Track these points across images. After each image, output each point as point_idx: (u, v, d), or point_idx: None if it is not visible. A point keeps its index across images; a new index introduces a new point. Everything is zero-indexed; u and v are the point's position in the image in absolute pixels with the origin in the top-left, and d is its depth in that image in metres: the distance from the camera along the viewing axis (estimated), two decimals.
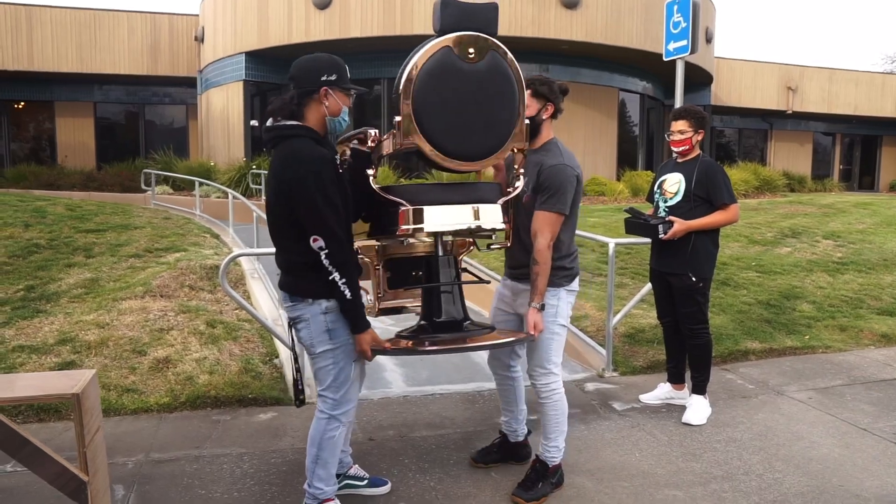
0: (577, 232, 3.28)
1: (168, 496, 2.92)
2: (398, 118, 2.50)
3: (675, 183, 3.81)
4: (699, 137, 3.79)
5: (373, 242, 2.89)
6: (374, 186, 2.59)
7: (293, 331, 2.62)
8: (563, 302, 2.93)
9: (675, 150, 3.82)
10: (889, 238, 8.74)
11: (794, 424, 3.78)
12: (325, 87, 2.45)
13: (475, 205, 2.62)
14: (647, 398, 4.11)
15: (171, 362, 4.30)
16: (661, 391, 4.12)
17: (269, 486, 3.01)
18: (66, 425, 3.65)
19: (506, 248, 2.99)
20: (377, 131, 2.65)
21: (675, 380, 4.10)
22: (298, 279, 2.50)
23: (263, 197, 2.35)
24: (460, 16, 2.51)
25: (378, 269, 2.93)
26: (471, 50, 2.51)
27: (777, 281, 6.69)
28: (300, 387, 2.74)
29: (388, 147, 2.62)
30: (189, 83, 18.56)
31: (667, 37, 5.52)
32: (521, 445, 3.27)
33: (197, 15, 17.91)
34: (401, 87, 2.49)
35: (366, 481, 2.97)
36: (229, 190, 10.07)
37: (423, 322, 2.74)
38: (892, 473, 3.18)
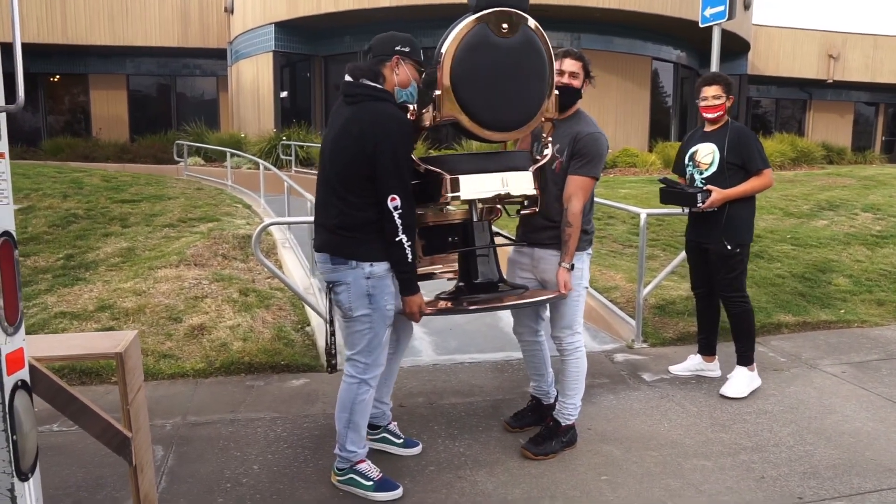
0: (609, 202, 3.37)
1: (205, 457, 3.02)
2: (437, 92, 2.59)
3: (708, 154, 3.75)
4: (729, 104, 3.74)
5: None
6: (415, 158, 2.68)
7: (331, 294, 2.64)
8: (585, 265, 3.07)
9: (708, 115, 3.75)
10: None
11: (827, 398, 3.74)
12: (397, 56, 2.59)
13: (507, 173, 2.71)
14: (677, 369, 4.09)
15: (205, 329, 4.41)
16: (692, 363, 4.10)
17: (301, 450, 3.09)
18: (108, 388, 3.77)
19: (523, 216, 3.07)
20: (415, 106, 2.72)
21: (706, 351, 4.07)
22: (349, 239, 2.53)
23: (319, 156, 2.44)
24: None
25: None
26: (504, 25, 2.60)
27: (812, 254, 6.56)
28: (333, 351, 2.81)
29: (427, 120, 2.71)
30: (219, 55, 18.64)
31: (703, 2, 5.37)
32: (553, 407, 3.30)
33: None
34: (439, 62, 2.59)
35: (401, 440, 3.07)
36: (260, 161, 10.17)
37: (461, 283, 2.86)
38: None
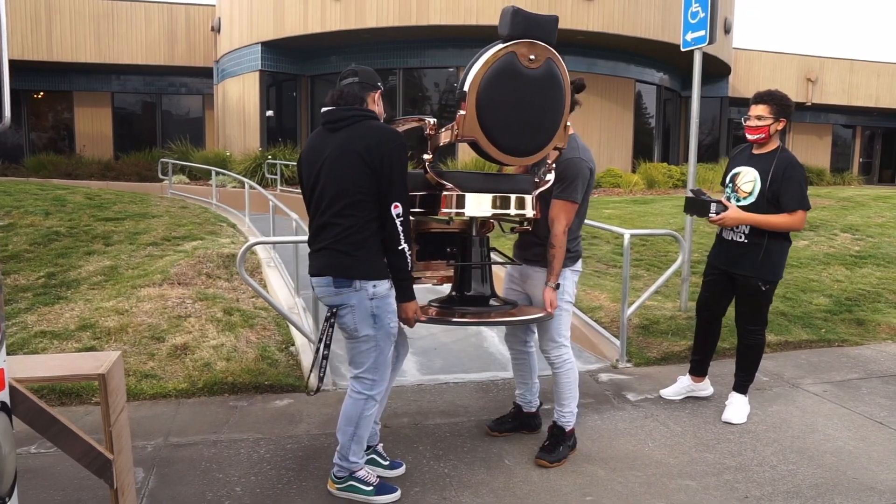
0: (593, 223, 3.41)
1: (187, 479, 2.98)
2: (462, 112, 2.70)
3: (749, 181, 3.52)
4: (779, 127, 3.48)
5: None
6: (430, 171, 2.82)
7: (333, 318, 2.68)
8: (568, 281, 3.18)
9: (749, 137, 3.53)
10: None
11: (809, 417, 3.77)
12: (380, 90, 2.79)
13: (511, 194, 2.87)
14: (669, 393, 4.03)
15: (188, 349, 4.37)
16: (682, 385, 4.04)
17: (285, 471, 3.06)
18: (88, 409, 3.72)
19: (518, 234, 3.24)
20: (435, 120, 2.85)
21: (697, 372, 4.00)
22: (351, 259, 2.59)
23: (305, 180, 2.61)
24: (527, 25, 2.71)
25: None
26: (532, 56, 2.72)
27: (793, 274, 6.65)
28: (322, 375, 2.83)
29: (445, 137, 2.82)
30: (205, 73, 18.67)
31: (684, 27, 5.47)
32: (533, 416, 3.52)
33: (213, 5, 17.98)
34: (467, 85, 2.70)
35: (388, 462, 3.10)
36: (245, 179, 10.15)
37: (453, 294, 3.02)
38: None
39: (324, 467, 3.10)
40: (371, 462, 3.03)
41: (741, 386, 3.80)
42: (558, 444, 3.20)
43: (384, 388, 2.81)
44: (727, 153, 19.18)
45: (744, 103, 21.63)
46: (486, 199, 2.81)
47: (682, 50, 5.60)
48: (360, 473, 2.82)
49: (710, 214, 3.52)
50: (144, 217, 8.13)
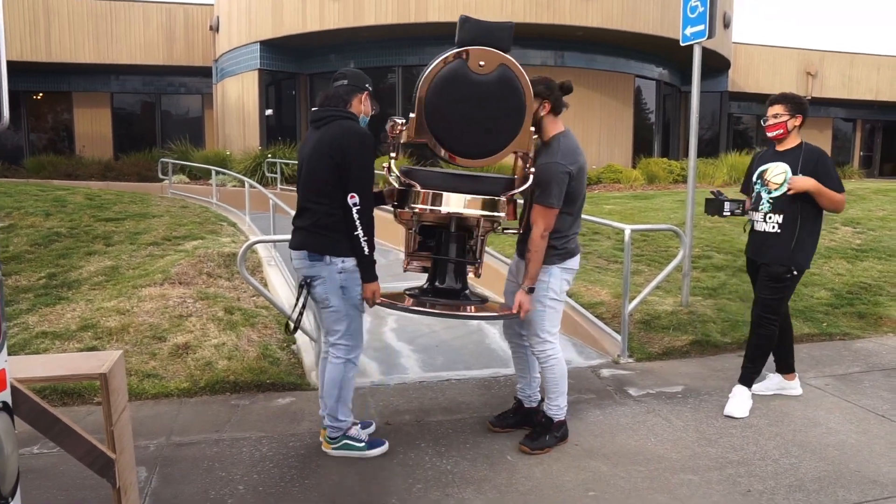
0: (594, 218, 3.45)
1: (189, 478, 2.98)
2: (412, 115, 2.90)
3: (780, 173, 3.62)
4: (796, 123, 3.64)
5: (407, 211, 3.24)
6: (395, 169, 3.01)
7: (307, 288, 3.04)
8: (554, 278, 3.18)
9: (769, 135, 3.69)
10: None
11: (811, 411, 3.77)
12: (367, 92, 3.07)
13: (470, 195, 2.96)
14: (759, 388, 3.95)
15: (190, 348, 4.37)
16: (772, 381, 4.01)
17: (287, 469, 3.06)
18: (90, 409, 3.72)
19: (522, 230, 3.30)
20: (403, 121, 2.96)
21: (786, 370, 3.98)
22: (322, 237, 2.95)
23: (294, 171, 3.01)
24: (477, 32, 2.85)
25: (412, 232, 3.32)
26: (481, 62, 2.84)
27: None
28: (297, 324, 3.12)
29: (405, 137, 2.99)
30: (204, 73, 18.64)
31: (684, 21, 5.46)
32: (535, 411, 3.50)
33: (212, 4, 17.95)
34: (417, 88, 2.88)
35: (357, 422, 3.37)
36: (245, 178, 10.14)
37: (426, 285, 3.15)
38: None
39: (326, 465, 3.11)
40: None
41: (746, 378, 3.81)
42: (544, 434, 3.28)
43: (359, 353, 3.15)
44: (727, 148, 19.15)
45: (744, 98, 21.67)
46: (451, 197, 2.94)
47: (682, 45, 5.58)
48: (352, 432, 3.17)
49: (724, 213, 3.81)
50: (145, 217, 8.13)
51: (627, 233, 4.63)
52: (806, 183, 3.51)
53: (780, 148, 3.71)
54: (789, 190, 3.57)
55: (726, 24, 16.64)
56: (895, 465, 3.11)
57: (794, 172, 3.58)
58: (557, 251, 3.15)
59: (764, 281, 3.71)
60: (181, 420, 3.61)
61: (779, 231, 3.64)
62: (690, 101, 5.54)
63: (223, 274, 5.84)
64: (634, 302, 4.78)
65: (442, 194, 2.94)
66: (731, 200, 3.86)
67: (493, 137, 2.93)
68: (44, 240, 6.67)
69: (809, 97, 21.83)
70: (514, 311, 3.08)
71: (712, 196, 3.97)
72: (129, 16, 17.88)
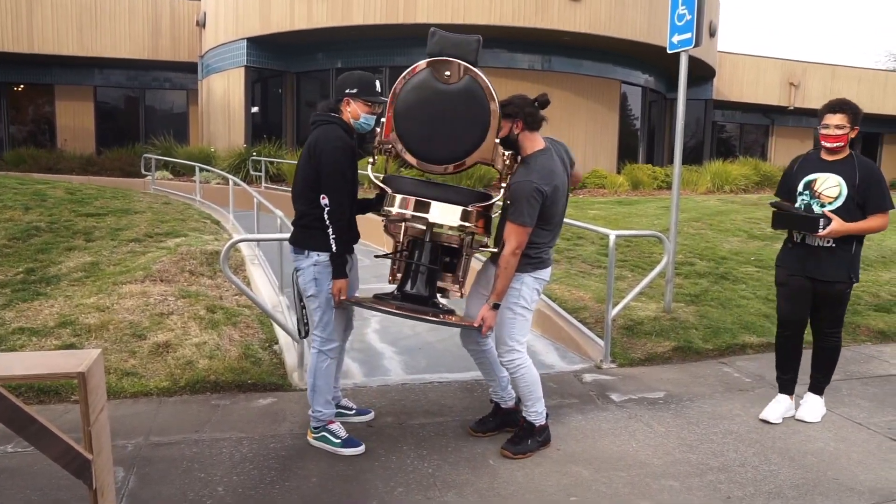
0: (579, 223, 3.53)
1: (168, 478, 2.94)
2: (383, 119, 3.12)
3: (833, 186, 3.47)
4: (853, 135, 3.48)
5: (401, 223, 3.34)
6: (371, 173, 3.20)
7: (296, 276, 3.25)
8: (526, 286, 3.19)
9: (827, 145, 3.48)
10: (887, 235, 8.76)
11: (790, 418, 3.80)
12: (347, 97, 3.15)
13: (439, 203, 3.04)
14: (771, 416, 3.76)
15: (170, 347, 4.32)
16: (783, 405, 3.81)
17: (267, 471, 3.03)
18: (67, 407, 3.66)
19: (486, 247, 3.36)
20: (379, 128, 3.16)
21: (792, 391, 3.89)
22: (303, 233, 3.16)
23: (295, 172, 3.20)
24: (443, 45, 3.06)
25: (398, 245, 3.35)
26: (447, 73, 3.02)
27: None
28: (306, 321, 3.36)
29: (378, 138, 3.17)
30: (190, 68, 18.47)
31: (671, 29, 5.49)
32: (514, 411, 3.51)
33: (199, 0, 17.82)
34: (390, 94, 3.08)
35: (354, 409, 3.64)
36: (230, 176, 10.06)
37: (396, 290, 3.24)
38: (886, 468, 3.21)
39: (307, 466, 3.08)
40: (339, 415, 3.48)
41: (817, 387, 3.84)
42: (525, 438, 3.28)
43: (333, 347, 3.26)
44: (711, 156, 19.33)
45: (729, 106, 21.90)
46: (418, 202, 3.04)
47: (669, 52, 5.62)
48: (333, 427, 3.29)
49: (820, 231, 3.44)
50: (127, 213, 8.03)
51: (612, 238, 4.65)
52: (838, 227, 3.41)
53: (828, 157, 3.53)
54: (829, 235, 3.43)
55: (712, 33, 16.81)
56: (872, 473, 3.14)
57: (852, 185, 3.43)
58: (531, 260, 3.16)
59: (828, 300, 3.62)
60: (160, 420, 3.57)
61: (834, 245, 3.50)
62: (676, 108, 5.58)
63: (205, 272, 5.78)
64: (618, 307, 4.80)
65: (410, 199, 3.04)
66: (824, 216, 3.45)
67: (455, 143, 3.07)
68: (22, 234, 6.56)
69: (792, 107, 22.14)
70: (476, 326, 3.11)
71: (790, 211, 3.60)
72: (114, 8, 17.67)
